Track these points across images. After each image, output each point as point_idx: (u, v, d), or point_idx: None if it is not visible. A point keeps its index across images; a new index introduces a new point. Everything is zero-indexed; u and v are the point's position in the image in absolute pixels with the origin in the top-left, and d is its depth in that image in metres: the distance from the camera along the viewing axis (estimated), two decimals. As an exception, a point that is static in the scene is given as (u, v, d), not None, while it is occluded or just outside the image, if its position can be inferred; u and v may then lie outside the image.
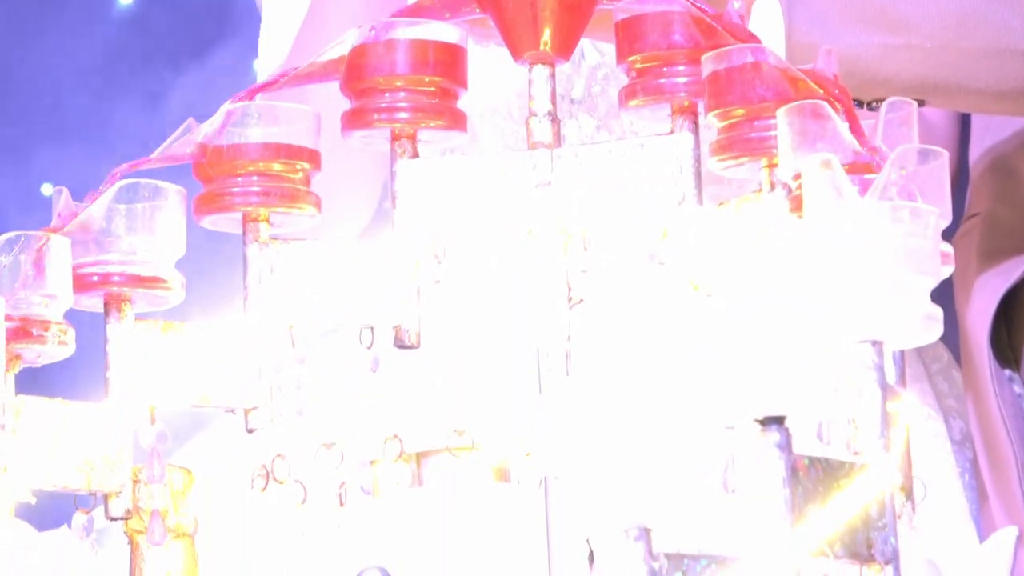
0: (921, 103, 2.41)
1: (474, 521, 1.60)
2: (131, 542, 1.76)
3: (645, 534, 1.47)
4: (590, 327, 1.64)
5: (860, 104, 2.27)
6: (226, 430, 1.92)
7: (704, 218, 1.65)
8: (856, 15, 2.30)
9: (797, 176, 1.65)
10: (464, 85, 1.73)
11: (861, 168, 1.67)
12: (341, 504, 1.71)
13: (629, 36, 1.73)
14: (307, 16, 2.65)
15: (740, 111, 1.69)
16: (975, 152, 2.57)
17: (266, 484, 1.72)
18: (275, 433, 1.74)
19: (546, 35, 1.69)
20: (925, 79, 2.36)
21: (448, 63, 1.70)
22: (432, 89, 1.70)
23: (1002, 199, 2.54)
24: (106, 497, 1.75)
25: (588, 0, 1.72)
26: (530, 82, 1.70)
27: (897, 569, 1.60)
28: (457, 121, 1.72)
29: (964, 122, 2.61)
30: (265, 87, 1.75)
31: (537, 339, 1.65)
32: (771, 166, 1.69)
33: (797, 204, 1.64)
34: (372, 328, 1.69)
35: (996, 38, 2.33)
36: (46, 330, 1.75)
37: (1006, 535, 2.45)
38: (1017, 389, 2.51)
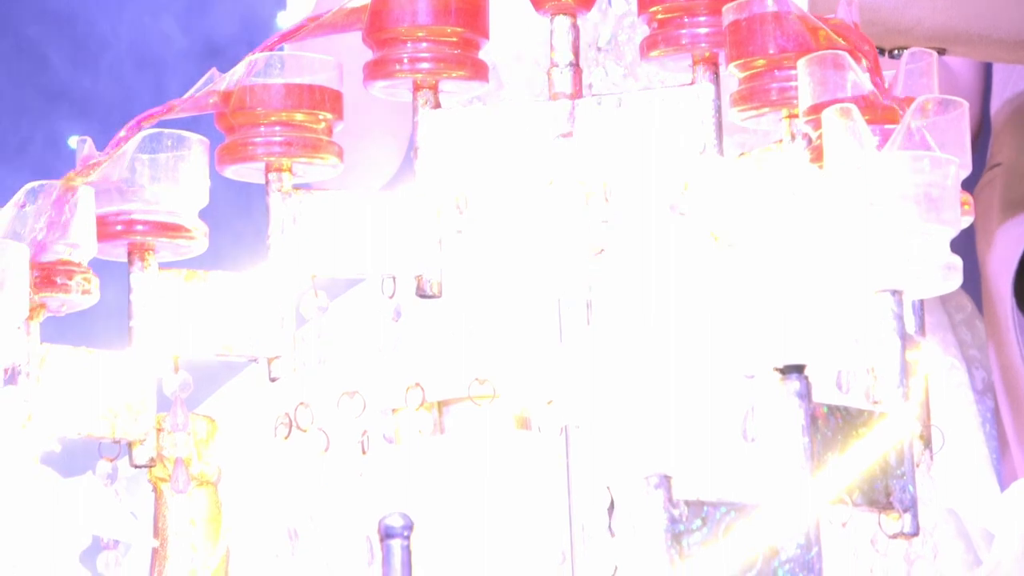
0: (942, 52, 2.41)
1: (495, 469, 1.60)
2: (155, 490, 1.80)
3: (666, 481, 1.47)
4: (610, 277, 1.63)
5: (882, 52, 2.26)
6: (249, 379, 1.92)
7: (725, 169, 1.66)
8: None
9: (819, 126, 1.66)
10: (486, 35, 1.73)
11: (882, 118, 1.66)
12: (364, 452, 1.72)
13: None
14: None
15: (761, 61, 1.71)
16: (997, 102, 2.58)
17: (289, 432, 1.72)
18: (298, 382, 1.74)
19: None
20: (946, 28, 2.37)
21: (470, 13, 1.70)
22: (454, 39, 1.71)
23: (1017, 151, 2.56)
24: (130, 445, 1.76)
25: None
26: (551, 32, 1.70)
27: (915, 517, 1.62)
28: (479, 71, 1.73)
29: (987, 72, 2.61)
30: (287, 36, 1.76)
31: (558, 289, 1.65)
32: (792, 116, 1.69)
33: (818, 154, 1.65)
34: (394, 278, 1.69)
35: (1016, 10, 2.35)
36: (70, 279, 1.76)
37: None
38: None
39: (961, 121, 1.68)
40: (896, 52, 2.31)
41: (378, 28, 1.69)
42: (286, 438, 1.73)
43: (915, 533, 1.63)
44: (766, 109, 1.71)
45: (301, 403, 1.74)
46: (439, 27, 1.68)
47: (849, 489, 1.58)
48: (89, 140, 1.79)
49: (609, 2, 1.82)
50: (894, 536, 1.62)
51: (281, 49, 1.75)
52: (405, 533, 1.48)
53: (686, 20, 1.71)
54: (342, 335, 1.79)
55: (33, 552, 1.75)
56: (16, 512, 1.75)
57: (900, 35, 2.32)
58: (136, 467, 1.78)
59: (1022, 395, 2.50)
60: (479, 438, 1.62)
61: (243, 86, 1.72)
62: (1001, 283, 2.49)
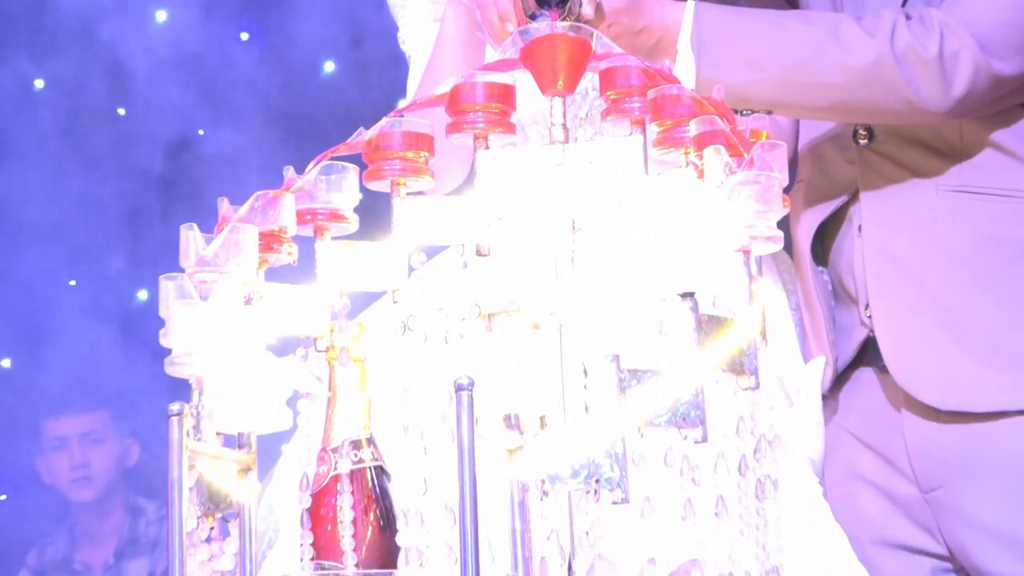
0: (770, 112, 2.42)
1: (520, 351, 1.65)
2: (329, 365, 1.88)
3: (616, 358, 1.62)
4: (585, 243, 1.71)
5: (738, 112, 2.22)
6: (381, 305, 1.99)
7: (649, 183, 1.76)
8: (734, 61, 2.33)
9: (702, 158, 1.78)
10: (514, 108, 1.78)
11: (737, 153, 1.79)
12: (446, 343, 1.78)
13: (607, 79, 1.82)
14: (426, 70, 2.71)
15: (669, 121, 1.81)
16: (802, 141, 2.60)
17: (404, 331, 1.81)
18: (411, 301, 1.84)
19: (560, 81, 1.76)
20: (771, 100, 2.40)
21: (505, 96, 1.76)
22: (495, 110, 1.76)
23: (815, 171, 2.59)
24: (316, 339, 1.87)
25: (583, 62, 1.78)
26: (552, 107, 1.77)
27: (757, 378, 1.74)
28: (510, 129, 1.77)
29: (797, 122, 2.63)
30: (401, 110, 1.86)
31: (555, 250, 1.71)
32: (687, 153, 1.81)
33: (701, 173, 1.78)
34: (463, 245, 1.78)
35: (815, 77, 2.35)
36: (280, 244, 1.90)
37: (818, 362, 2.53)
38: (824, 277, 2.57)
39: (783, 154, 1.80)
40: (745, 112, 2.32)
41: (453, 104, 1.77)
42: (402, 334, 1.82)
43: (757, 387, 1.74)
44: (672, 149, 1.82)
45: (411, 315, 1.82)
46: (487, 104, 1.76)
47: (721, 363, 1.72)
48: (291, 168, 1.91)
49: (587, 91, 1.88)
50: (746, 389, 1.75)
51: (401, 116, 1.83)
52: (470, 388, 1.59)
53: (626, 100, 1.81)
54: (435, 278, 1.84)
55: (263, 399, 1.85)
56: (252, 377, 1.83)
57: (748, 103, 2.36)
58: (318, 351, 1.87)
59: (814, 308, 2.57)
60: (511, 334, 1.67)
61: (378, 136, 1.82)
62: (804, 246, 2.57)
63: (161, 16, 5.90)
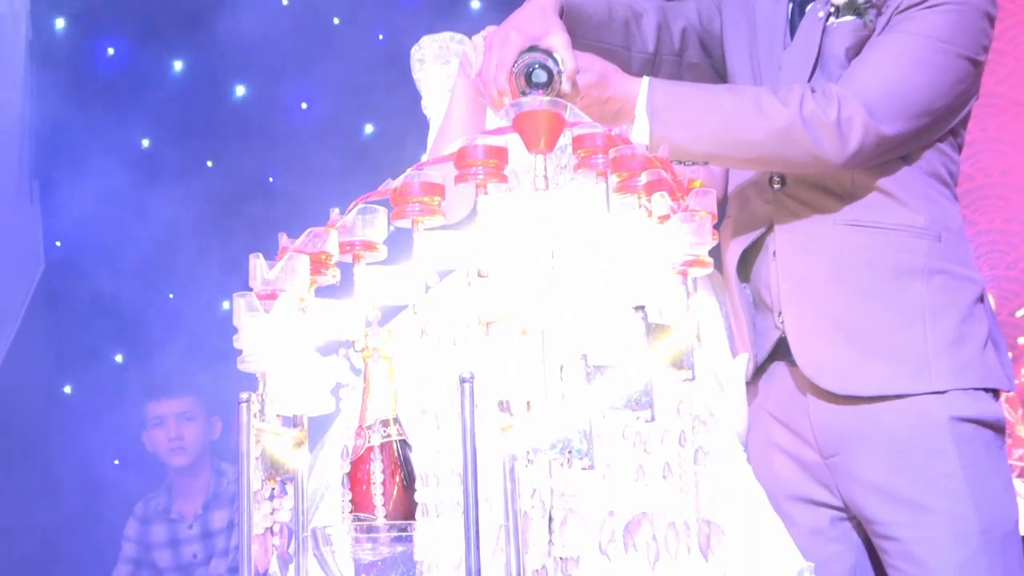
0: (705, 163, 2.49)
1: (511, 351, 1.66)
2: (364, 362, 1.87)
3: (585, 357, 1.63)
4: (562, 268, 1.69)
5: (682, 163, 2.35)
6: (405, 315, 1.92)
7: (611, 221, 1.73)
8: (679, 124, 2.31)
9: (651, 201, 1.78)
10: (507, 164, 1.77)
11: (677, 196, 1.79)
12: (454, 344, 1.78)
13: (578, 141, 1.81)
14: (441, 128, 2.68)
15: (625, 174, 1.80)
16: (731, 186, 2.60)
17: (422, 335, 1.81)
18: (428, 312, 1.83)
19: (542, 143, 1.75)
20: (709, 154, 2.41)
21: (499, 155, 1.75)
22: (493, 163, 1.75)
23: (740, 209, 2.57)
24: (354, 342, 1.87)
25: (559, 129, 1.76)
26: (536, 160, 1.75)
27: (693, 371, 1.73)
28: (504, 179, 1.76)
29: (727, 172, 2.64)
30: (421, 165, 1.84)
31: (538, 273, 1.69)
32: (639, 198, 1.80)
33: (651, 214, 1.78)
34: (468, 269, 1.74)
35: (741, 137, 2.35)
36: (326, 269, 1.89)
37: (742, 357, 2.53)
38: (747, 291, 2.55)
39: (712, 198, 1.79)
40: (687, 163, 2.41)
41: (460, 161, 1.75)
42: (421, 338, 1.82)
43: (693, 378, 1.73)
44: (628, 194, 1.81)
45: (427, 323, 1.81)
46: (486, 160, 1.75)
47: (667, 360, 1.71)
48: (336, 210, 1.90)
49: (564, 148, 1.85)
50: (684, 380, 1.72)
51: (420, 170, 1.81)
52: (471, 380, 1.61)
53: (593, 157, 1.80)
54: (445, 295, 1.83)
55: (312, 389, 1.86)
56: (304, 372, 1.85)
57: (687, 156, 2.38)
58: (356, 351, 1.88)
59: (739, 315, 2.57)
60: (504, 338, 1.67)
61: (402, 185, 1.81)
62: (731, 268, 2.57)
63: (240, 90, 5.90)
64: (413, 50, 3.01)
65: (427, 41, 2.99)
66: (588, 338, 1.69)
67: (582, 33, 2.41)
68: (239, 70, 5.76)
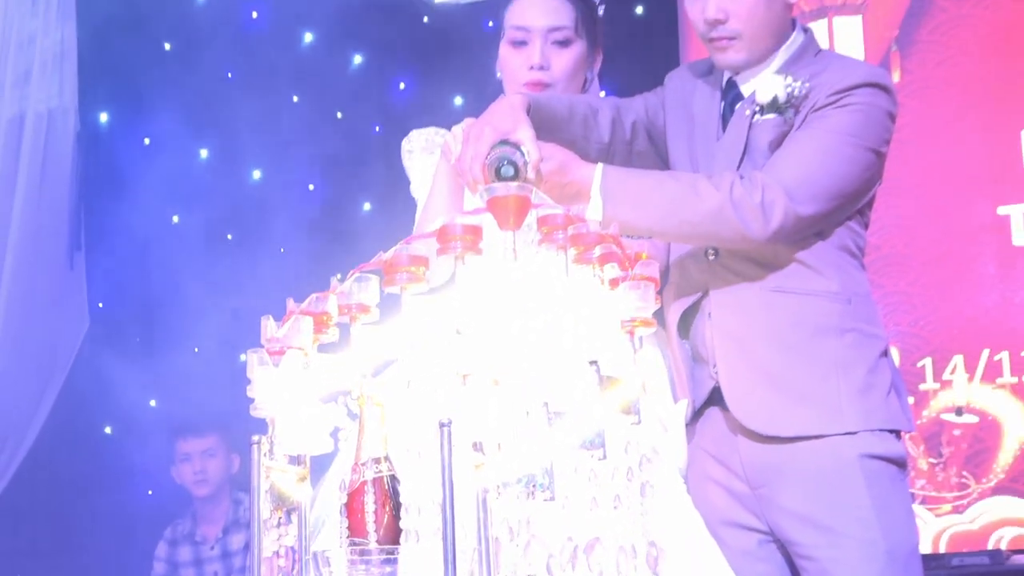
0: (650, 237, 2.47)
1: (484, 399, 1.65)
2: (360, 408, 1.84)
3: (547, 404, 1.64)
4: (528, 327, 1.69)
5: (631, 236, 2.32)
6: (395, 368, 1.91)
7: (569, 287, 1.75)
8: (628, 205, 2.31)
9: (603, 271, 1.78)
10: (481, 239, 1.76)
11: (625, 266, 1.77)
12: (436, 393, 1.76)
13: (542, 221, 1.82)
14: (426, 203, 2.70)
15: (582, 248, 1.79)
16: (672, 256, 2.57)
17: (409, 385, 1.83)
18: (414, 365, 1.83)
19: (511, 222, 1.77)
20: (653, 231, 2.40)
21: (474, 232, 1.74)
22: (470, 239, 1.74)
23: (680, 276, 2.55)
24: (351, 391, 1.85)
25: (525, 210, 1.79)
26: (507, 237, 1.77)
27: (640, 416, 1.72)
28: (479, 252, 1.74)
29: (669, 244, 2.61)
30: (410, 239, 1.82)
31: (508, 331, 1.68)
32: (593, 268, 1.79)
33: (603, 282, 1.77)
34: (453, 329, 1.72)
35: (681, 216, 2.35)
36: (327, 328, 1.89)
37: (683, 402, 2.52)
38: (686, 346, 2.53)
39: (656, 268, 1.80)
40: (633, 236, 2.37)
41: (442, 236, 1.75)
42: (408, 388, 1.84)
43: (639, 422, 1.72)
44: (584, 265, 1.79)
45: (413, 375, 1.82)
46: (465, 236, 1.74)
47: (615, 406, 1.70)
48: (335, 278, 1.90)
49: (531, 225, 1.84)
50: (632, 423, 1.72)
51: (407, 244, 1.80)
52: (450, 425, 1.61)
53: (554, 233, 1.80)
54: (428, 350, 1.78)
55: (314, 432, 1.86)
56: (306, 417, 1.86)
57: (635, 232, 2.36)
58: (353, 399, 1.85)
59: (680, 369, 2.56)
60: (479, 388, 1.66)
61: (392, 257, 1.79)
62: (672, 327, 2.56)
63: (256, 174, 5.91)
64: (403, 142, 3.00)
65: (415, 134, 2.98)
66: (549, 387, 1.68)
67: (547, 127, 2.40)
68: (255, 156, 5.78)
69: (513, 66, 2.79)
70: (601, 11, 2.88)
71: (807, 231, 2.46)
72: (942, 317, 5.58)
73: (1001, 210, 5.62)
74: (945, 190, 5.65)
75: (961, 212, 5.64)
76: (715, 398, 2.53)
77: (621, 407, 1.73)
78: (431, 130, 2.96)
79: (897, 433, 2.48)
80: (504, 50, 2.82)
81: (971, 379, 5.55)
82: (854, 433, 2.42)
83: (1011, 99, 5.66)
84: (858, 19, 5.89)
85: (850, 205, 2.51)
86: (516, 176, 2.14)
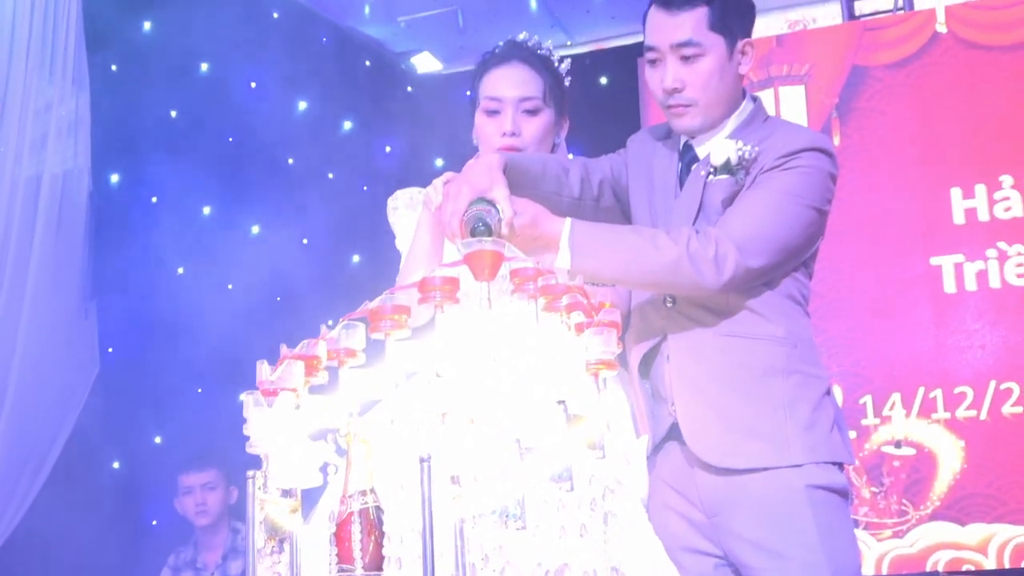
0: (613, 284, 2.47)
1: (461, 437, 1.64)
2: (348, 445, 1.81)
3: (519, 440, 1.63)
4: (501, 370, 1.69)
5: (596, 284, 2.33)
6: (379, 408, 1.89)
7: (539, 334, 1.75)
8: (593, 256, 2.31)
9: (570, 319, 1.79)
10: (459, 289, 1.75)
11: (589, 313, 1.79)
12: (418, 431, 1.73)
13: (514, 273, 1.82)
14: (408, 253, 2.69)
15: (551, 297, 1.79)
16: (633, 303, 2.57)
17: (392, 423, 1.80)
18: (397, 405, 1.81)
19: (486, 274, 1.77)
20: (616, 279, 2.39)
21: (452, 283, 1.74)
22: (448, 288, 1.74)
23: (641, 321, 2.55)
24: (339, 429, 1.83)
25: (498, 263, 1.79)
26: (481, 287, 1.77)
27: (604, 451, 1.72)
28: (456, 301, 1.74)
29: (630, 292, 2.60)
30: (393, 290, 1.83)
31: (483, 374, 1.68)
32: (560, 315, 1.79)
33: (570, 327, 1.77)
34: (433, 372, 1.71)
35: (641, 267, 2.34)
36: (317, 372, 1.88)
37: (644, 438, 2.50)
38: (647, 386, 2.53)
39: (618, 315, 1.82)
40: (598, 284, 2.36)
41: (423, 287, 1.75)
42: (391, 425, 1.81)
43: (604, 456, 1.72)
44: (552, 313, 1.79)
45: (396, 414, 1.79)
46: (443, 286, 1.74)
47: (581, 442, 1.69)
48: (325, 326, 1.90)
49: (504, 277, 1.84)
50: (597, 458, 1.72)
51: (392, 294, 1.80)
52: (429, 460, 1.60)
53: (525, 284, 1.80)
54: (411, 391, 1.77)
55: (305, 467, 1.85)
56: (298, 453, 1.85)
57: (600, 280, 2.35)
58: (341, 436, 1.82)
59: (640, 407, 2.56)
60: (456, 425, 1.66)
61: (377, 307, 1.78)
62: (634, 368, 2.55)
63: (255, 229, 5.91)
64: (389, 200, 2.99)
65: (400, 193, 2.98)
66: (521, 426, 1.68)
67: (522, 183, 2.40)
68: (254, 213, 5.78)
69: (488, 132, 2.80)
70: (568, 82, 2.90)
71: (756, 281, 2.46)
72: (881, 358, 5.61)
73: (933, 260, 5.67)
74: (883, 243, 5.71)
75: (898, 263, 5.69)
76: (673, 433, 2.52)
77: (587, 443, 1.72)
78: (414, 189, 2.96)
79: (840, 465, 2.48)
80: (479, 118, 2.83)
81: (908, 415, 5.57)
82: (800, 466, 2.41)
83: (941, 160, 5.73)
84: (801, 88, 5.95)
85: (795, 258, 2.51)
86: (489, 235, 2.13)
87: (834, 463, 2.46)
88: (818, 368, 2.52)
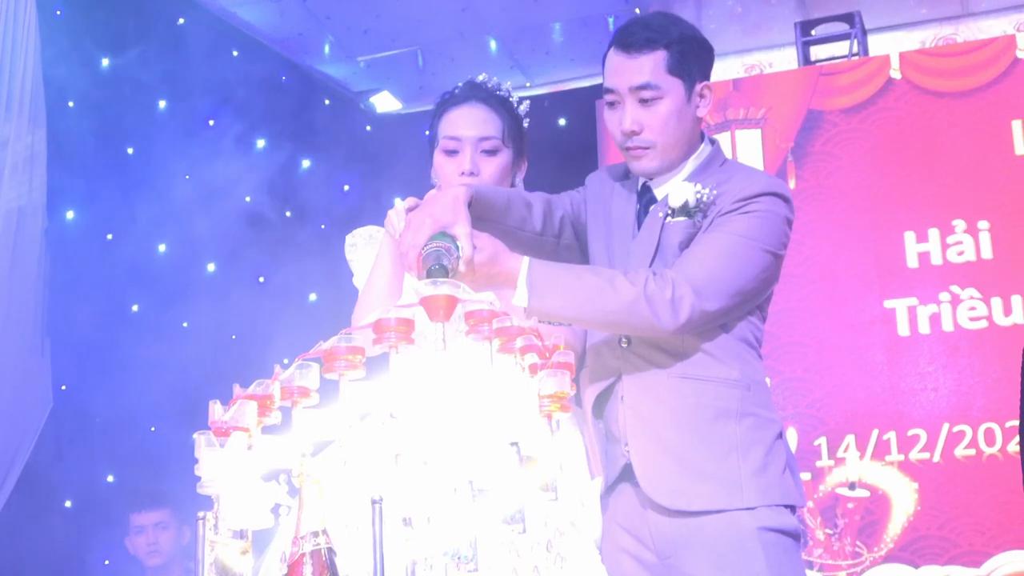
0: (570, 324, 2.50)
1: (413, 478, 1.64)
2: (300, 486, 1.78)
3: (471, 482, 1.63)
4: (455, 410, 1.69)
5: (552, 323, 2.35)
6: (332, 448, 1.85)
7: (493, 374, 1.77)
8: (552, 295, 2.31)
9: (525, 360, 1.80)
10: (414, 330, 1.75)
11: (544, 356, 1.79)
12: (369, 471, 1.72)
13: (468, 314, 1.82)
14: (370, 275, 2.71)
15: (505, 338, 1.80)
16: (588, 343, 2.58)
17: (345, 464, 1.76)
18: (350, 446, 1.78)
19: (440, 315, 1.75)
20: (574, 319, 2.38)
21: (407, 324, 1.74)
22: (403, 329, 1.74)
23: (596, 362, 2.56)
24: (292, 469, 1.79)
25: (452, 305, 1.78)
26: (436, 327, 1.75)
27: (557, 493, 1.72)
28: (411, 342, 1.73)
29: (586, 332, 2.61)
30: (348, 330, 1.82)
31: (436, 413, 1.68)
32: (515, 356, 1.80)
33: (523, 368, 1.79)
34: (384, 413, 1.72)
35: (599, 307, 2.33)
36: (270, 412, 1.86)
37: (598, 479, 2.51)
38: (600, 426, 2.54)
39: (572, 356, 1.81)
40: (554, 323, 2.38)
41: (377, 328, 1.74)
42: (344, 466, 1.77)
43: (557, 499, 1.72)
44: (507, 354, 1.80)
45: (349, 455, 1.76)
46: (398, 327, 1.73)
47: (534, 484, 1.69)
48: (278, 366, 1.89)
49: (460, 317, 1.83)
50: (550, 500, 1.72)
51: (349, 335, 1.80)
52: (381, 502, 1.60)
53: (479, 325, 1.81)
54: (364, 431, 1.77)
55: (256, 508, 1.83)
56: (249, 494, 1.84)
57: (557, 320, 2.36)
58: (294, 477, 1.78)
59: (594, 448, 2.57)
60: (408, 467, 1.65)
61: (331, 348, 1.78)
62: (588, 408, 2.55)
63: (211, 267, 5.89)
64: (347, 237, 3.01)
65: (358, 231, 3.00)
66: (474, 467, 1.68)
67: (486, 216, 2.41)
68: (209, 250, 5.77)
69: (446, 172, 2.82)
70: (526, 123, 2.93)
71: (711, 324, 2.47)
72: (836, 400, 5.65)
73: (888, 303, 5.73)
74: (838, 285, 5.76)
75: (852, 305, 5.75)
76: (627, 475, 2.51)
77: (540, 485, 1.72)
78: (372, 228, 2.98)
79: (792, 508, 2.48)
80: (438, 157, 2.85)
81: (862, 456, 5.61)
82: (753, 508, 2.42)
83: (894, 204, 5.81)
84: (757, 132, 6.02)
85: (751, 301, 2.53)
86: (445, 275, 2.13)
87: (786, 506, 2.46)
88: (771, 411, 2.54)
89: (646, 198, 2.62)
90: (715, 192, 2.50)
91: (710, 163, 2.61)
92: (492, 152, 2.82)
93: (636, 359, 2.52)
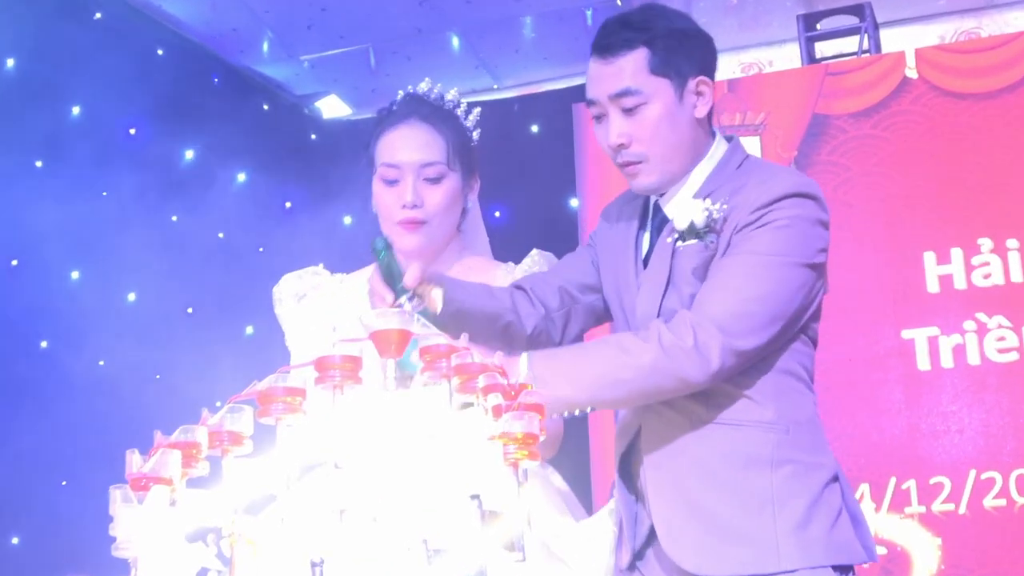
0: (593, 410, 2.42)
1: (361, 538, 1.64)
2: (232, 546, 1.77)
3: (426, 541, 1.63)
4: (408, 458, 1.70)
5: (575, 414, 2.33)
6: (273, 504, 1.84)
7: (452, 416, 1.76)
8: (558, 380, 2.30)
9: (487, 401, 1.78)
10: (361, 368, 1.75)
11: (509, 397, 1.77)
12: (309, 530, 1.71)
13: (425, 350, 1.81)
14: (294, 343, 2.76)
15: (466, 376, 1.79)
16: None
17: (282, 522, 1.74)
18: (288, 502, 1.76)
19: (392, 350, 1.79)
20: (591, 401, 2.36)
21: (354, 362, 1.74)
22: (350, 367, 1.74)
23: (621, 417, 2.58)
24: (222, 528, 1.79)
25: (405, 340, 1.80)
26: (386, 365, 1.79)
27: (524, 553, 1.71)
28: (358, 380, 1.73)
29: None
30: (286, 368, 1.81)
31: (388, 464, 1.69)
32: (477, 397, 1.79)
33: (488, 411, 1.77)
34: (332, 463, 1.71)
35: (614, 378, 2.31)
36: (196, 462, 1.84)
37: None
38: (625, 489, 2.54)
39: (541, 396, 1.79)
40: (576, 414, 2.36)
41: (320, 366, 1.75)
42: (281, 523, 1.74)
43: (524, 559, 1.70)
44: (472, 396, 1.79)
45: (287, 511, 1.74)
46: (344, 365, 1.74)
47: (500, 543, 1.68)
48: (206, 410, 1.88)
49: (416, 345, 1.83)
50: (516, 560, 1.69)
51: (287, 373, 1.78)
52: (322, 564, 1.62)
53: (437, 362, 1.80)
54: (305, 485, 1.77)
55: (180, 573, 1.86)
56: (172, 557, 1.84)
57: (572, 408, 2.35)
58: (224, 536, 1.79)
59: (621, 510, 2.56)
60: (355, 524, 1.65)
61: (267, 389, 1.77)
62: (615, 462, 2.56)
63: (131, 296, 5.87)
64: (274, 289, 2.99)
65: (285, 280, 2.98)
66: (429, 524, 1.68)
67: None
68: (130, 278, 5.77)
69: (386, 203, 2.83)
70: (476, 135, 2.92)
71: (750, 363, 2.42)
72: (847, 444, 5.65)
73: (905, 334, 5.74)
74: (849, 314, 5.76)
75: (865, 336, 5.75)
76: (653, 538, 2.49)
77: (504, 544, 1.71)
78: (308, 271, 2.98)
79: (845, 568, 2.42)
80: (377, 187, 2.85)
81: (879, 508, 5.61)
82: (792, 572, 2.36)
83: (911, 220, 5.81)
84: (755, 140, 6.03)
85: (791, 326, 2.45)
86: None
87: (837, 567, 2.40)
88: (818, 455, 2.46)
89: (658, 219, 2.58)
90: (727, 206, 2.45)
91: (724, 167, 2.56)
92: (436, 180, 2.83)
93: (657, 407, 2.48)
